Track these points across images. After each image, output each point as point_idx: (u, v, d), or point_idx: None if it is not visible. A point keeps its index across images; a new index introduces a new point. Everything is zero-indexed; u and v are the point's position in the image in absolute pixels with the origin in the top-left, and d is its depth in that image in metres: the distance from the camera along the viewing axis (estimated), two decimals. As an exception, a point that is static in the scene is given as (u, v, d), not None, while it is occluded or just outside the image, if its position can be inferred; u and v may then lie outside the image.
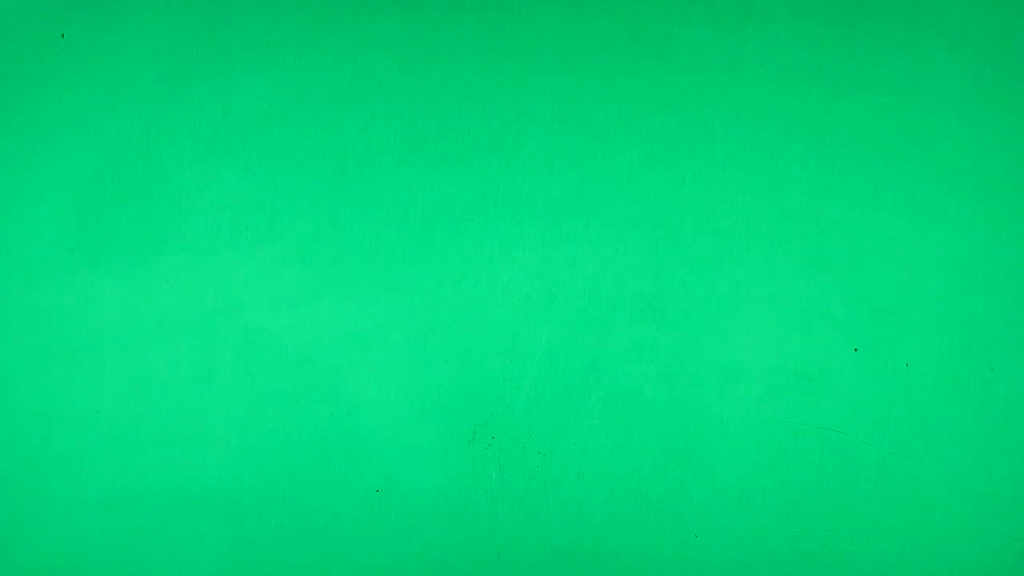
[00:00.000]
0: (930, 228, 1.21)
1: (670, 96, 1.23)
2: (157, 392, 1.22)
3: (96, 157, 1.23)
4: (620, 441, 1.22)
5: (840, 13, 1.23)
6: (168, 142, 1.23)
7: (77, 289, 1.22)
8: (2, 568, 1.22)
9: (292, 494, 1.22)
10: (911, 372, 1.20)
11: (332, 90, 1.24)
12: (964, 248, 1.20)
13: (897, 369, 1.20)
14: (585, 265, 1.22)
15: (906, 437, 1.20)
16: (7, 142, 1.23)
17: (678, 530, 1.22)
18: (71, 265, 1.23)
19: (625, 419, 1.22)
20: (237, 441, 1.22)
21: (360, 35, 1.24)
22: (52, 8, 1.25)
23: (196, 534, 1.22)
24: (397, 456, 1.22)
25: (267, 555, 1.23)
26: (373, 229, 1.23)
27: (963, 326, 1.20)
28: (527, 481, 1.22)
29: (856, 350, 1.21)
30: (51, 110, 1.24)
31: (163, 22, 1.25)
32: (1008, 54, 1.22)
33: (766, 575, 1.21)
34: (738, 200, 1.22)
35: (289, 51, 1.24)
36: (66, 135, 1.24)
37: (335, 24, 1.24)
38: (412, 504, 1.22)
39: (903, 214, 1.21)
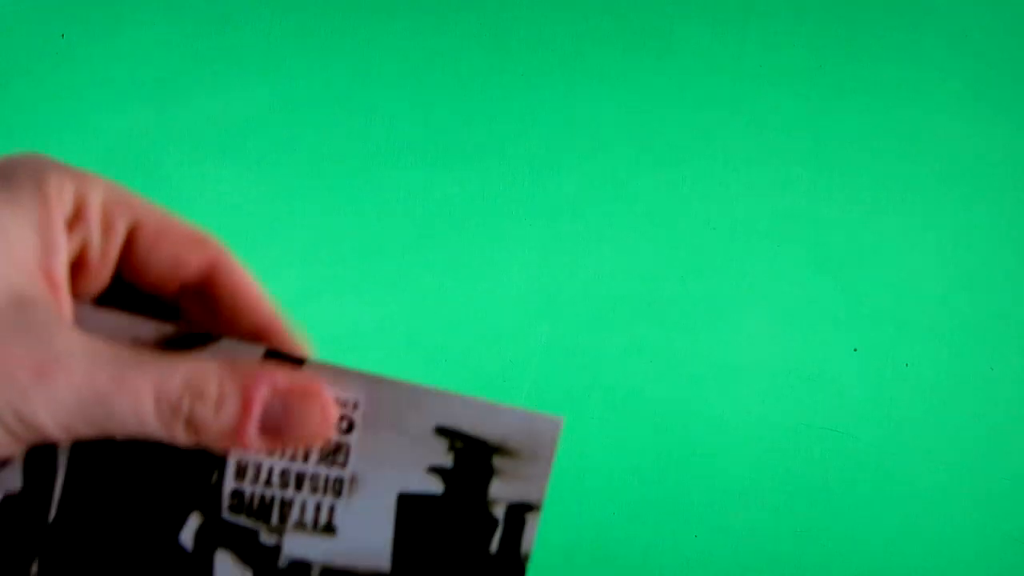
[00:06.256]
0: (930, 228, 1.21)
1: (670, 96, 1.23)
2: (157, 392, 1.22)
3: (96, 157, 1.23)
4: (620, 441, 1.22)
5: (840, 13, 1.23)
6: (168, 142, 1.23)
7: (77, 289, 1.22)
8: (2, 568, 1.22)
9: (292, 494, 1.22)
10: (911, 372, 1.20)
11: (332, 90, 1.24)
12: (964, 248, 1.20)
13: (897, 369, 1.20)
14: (585, 265, 1.22)
15: (906, 437, 1.20)
16: (7, 142, 1.23)
17: (678, 530, 1.22)
18: (71, 265, 1.22)
19: (625, 419, 1.22)
20: (237, 441, 1.22)
21: (360, 35, 1.24)
22: (52, 8, 1.25)
23: (196, 534, 1.22)
24: (397, 456, 1.22)
25: (267, 555, 1.22)
26: (373, 229, 1.23)
27: (963, 326, 1.20)
28: (527, 481, 1.22)
29: (856, 350, 1.21)
30: (51, 110, 1.24)
31: (163, 22, 1.25)
32: (1008, 54, 1.22)
33: (766, 575, 1.21)
34: (738, 200, 1.22)
35: (289, 51, 1.24)
36: (66, 135, 1.24)
37: (335, 24, 1.24)
38: (412, 504, 1.22)
39: (903, 214, 1.21)
